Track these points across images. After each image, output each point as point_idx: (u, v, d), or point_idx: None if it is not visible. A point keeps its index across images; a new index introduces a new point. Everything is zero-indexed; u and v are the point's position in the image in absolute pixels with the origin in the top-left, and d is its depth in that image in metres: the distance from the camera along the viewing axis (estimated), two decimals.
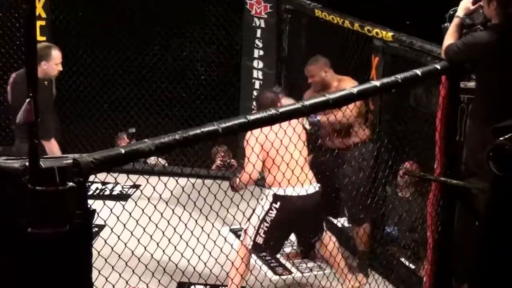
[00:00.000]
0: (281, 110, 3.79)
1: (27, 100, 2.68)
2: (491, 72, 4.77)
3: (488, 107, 4.74)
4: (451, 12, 5.01)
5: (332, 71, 6.43)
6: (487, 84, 4.79)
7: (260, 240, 5.79)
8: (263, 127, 4.03)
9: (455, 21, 4.90)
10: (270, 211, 5.77)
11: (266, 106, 5.51)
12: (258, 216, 5.79)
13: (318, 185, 5.85)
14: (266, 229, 5.78)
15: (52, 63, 6.19)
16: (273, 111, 3.74)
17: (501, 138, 2.56)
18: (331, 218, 6.73)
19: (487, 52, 4.73)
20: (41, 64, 6.00)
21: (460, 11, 4.90)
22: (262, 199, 5.81)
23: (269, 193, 5.78)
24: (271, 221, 5.75)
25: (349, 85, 5.33)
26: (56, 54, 6.23)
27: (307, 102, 3.89)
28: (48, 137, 6.06)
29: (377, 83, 4.43)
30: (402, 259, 6.14)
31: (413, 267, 5.97)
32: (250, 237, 5.82)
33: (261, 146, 5.45)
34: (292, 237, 6.47)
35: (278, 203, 5.73)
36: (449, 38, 4.88)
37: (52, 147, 6.09)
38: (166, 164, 8.25)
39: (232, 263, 5.32)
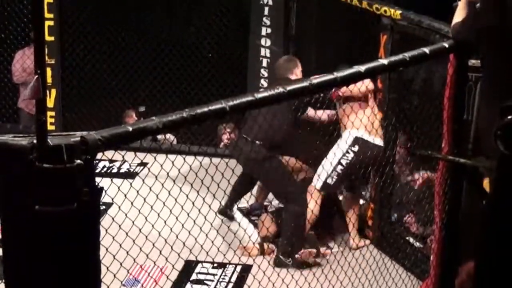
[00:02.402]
0: (288, 88, 3.78)
1: (35, 77, 2.68)
2: (495, 50, 4.75)
3: (496, 85, 4.72)
4: None
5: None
6: (494, 62, 4.77)
7: (330, 181, 6.13)
8: (270, 105, 3.99)
9: None
10: (347, 154, 6.09)
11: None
12: (332, 161, 6.07)
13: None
14: (340, 171, 6.12)
15: (299, 70, 6.71)
16: (280, 89, 3.74)
17: (510, 117, 2.56)
18: None
19: (489, 32, 4.71)
20: (295, 72, 6.63)
21: None
22: (340, 143, 6.15)
23: (349, 136, 6.13)
24: (347, 163, 6.10)
25: None
26: (298, 62, 6.80)
27: (314, 81, 3.88)
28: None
29: (385, 61, 4.42)
30: (409, 238, 6.15)
31: (420, 245, 5.98)
32: (321, 179, 6.15)
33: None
34: None
35: (357, 147, 6.09)
36: (458, 16, 4.85)
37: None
38: (175, 141, 8.26)
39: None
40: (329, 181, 6.13)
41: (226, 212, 6.68)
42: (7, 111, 8.72)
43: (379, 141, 6.14)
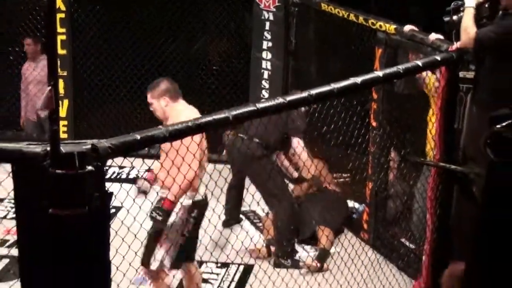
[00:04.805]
0: (288, 98, 3.77)
1: (48, 88, 2.67)
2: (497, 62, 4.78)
3: (500, 93, 4.72)
4: (453, 5, 5.00)
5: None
6: (507, 70, 4.79)
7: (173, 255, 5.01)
8: (271, 114, 3.96)
9: (471, 11, 4.90)
10: (188, 223, 5.00)
11: None
12: (177, 231, 4.98)
13: None
14: (182, 243, 5.01)
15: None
16: (280, 100, 3.73)
17: (498, 126, 2.55)
18: None
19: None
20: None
21: (473, 3, 4.91)
22: (176, 212, 4.96)
23: (185, 201, 4.95)
24: (188, 232, 5.02)
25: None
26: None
27: (312, 92, 3.87)
28: None
29: (380, 73, 4.41)
30: (402, 240, 6.14)
31: (412, 247, 5.97)
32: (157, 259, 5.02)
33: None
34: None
35: (195, 211, 5.02)
36: (472, 27, 4.85)
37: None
38: None
39: None
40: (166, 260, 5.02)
41: (230, 223, 6.66)
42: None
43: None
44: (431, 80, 5.59)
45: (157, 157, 5.15)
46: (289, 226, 6.22)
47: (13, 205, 2.95)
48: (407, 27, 5.49)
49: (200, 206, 5.01)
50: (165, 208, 4.82)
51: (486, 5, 4.91)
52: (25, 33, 8.41)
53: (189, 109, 5.16)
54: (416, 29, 5.43)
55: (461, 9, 4.98)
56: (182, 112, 4.97)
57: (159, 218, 4.81)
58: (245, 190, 6.37)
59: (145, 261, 4.92)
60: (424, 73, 5.61)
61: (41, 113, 8.17)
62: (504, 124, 2.54)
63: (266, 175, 6.11)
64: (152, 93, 5.14)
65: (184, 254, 5.06)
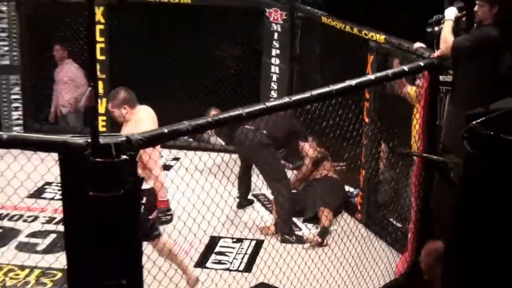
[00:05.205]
0: (293, 98, 3.76)
1: (89, 89, 2.67)
2: (487, 63, 4.75)
3: (474, 93, 4.69)
4: (435, 18, 4.99)
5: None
6: (479, 73, 4.75)
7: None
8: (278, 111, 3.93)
9: (450, 24, 4.88)
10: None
11: None
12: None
13: None
14: None
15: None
16: (287, 99, 3.71)
17: (474, 123, 2.55)
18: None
19: (492, 46, 4.72)
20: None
21: (452, 16, 4.88)
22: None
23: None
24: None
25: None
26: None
27: (314, 92, 3.85)
28: None
29: (372, 76, 4.39)
30: (391, 219, 6.12)
31: (399, 225, 5.95)
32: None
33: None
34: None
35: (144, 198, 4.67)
36: (450, 37, 4.83)
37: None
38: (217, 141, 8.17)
39: None
40: None
41: (244, 204, 6.62)
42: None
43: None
44: (412, 91, 5.59)
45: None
46: (294, 207, 6.21)
47: (59, 188, 2.94)
48: (417, 45, 5.35)
49: (148, 194, 4.72)
50: (165, 208, 4.80)
51: (464, 19, 4.89)
52: (70, 40, 8.39)
53: (144, 111, 5.13)
54: (424, 46, 5.28)
55: (442, 21, 4.96)
56: (140, 117, 4.99)
57: (169, 216, 4.86)
58: (256, 176, 6.35)
59: None
60: (405, 89, 5.62)
61: (62, 109, 8.27)
62: (478, 121, 2.53)
63: (272, 162, 6.09)
64: (113, 103, 5.08)
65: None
